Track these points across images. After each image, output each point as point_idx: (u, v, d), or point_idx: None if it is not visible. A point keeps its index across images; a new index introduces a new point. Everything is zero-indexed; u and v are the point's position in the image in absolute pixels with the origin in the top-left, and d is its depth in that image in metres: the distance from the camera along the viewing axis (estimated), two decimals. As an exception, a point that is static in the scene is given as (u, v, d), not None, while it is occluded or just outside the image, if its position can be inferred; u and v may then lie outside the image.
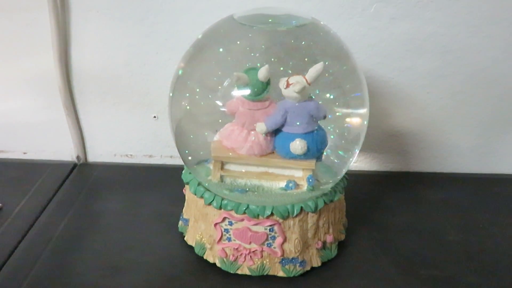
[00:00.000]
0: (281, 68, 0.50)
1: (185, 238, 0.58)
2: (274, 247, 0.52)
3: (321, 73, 0.48)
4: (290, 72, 0.49)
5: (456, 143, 0.74)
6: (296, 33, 0.52)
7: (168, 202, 0.66)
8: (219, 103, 0.51)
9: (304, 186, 0.52)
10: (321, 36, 0.54)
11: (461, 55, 0.68)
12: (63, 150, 0.78)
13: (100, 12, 0.68)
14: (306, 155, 0.50)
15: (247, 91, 0.49)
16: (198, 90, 0.54)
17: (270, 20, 0.53)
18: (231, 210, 0.51)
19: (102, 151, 0.78)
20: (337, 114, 0.53)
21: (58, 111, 0.74)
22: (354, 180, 0.62)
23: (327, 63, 0.49)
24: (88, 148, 0.78)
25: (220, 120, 0.52)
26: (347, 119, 0.53)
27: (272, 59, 0.51)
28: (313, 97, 0.50)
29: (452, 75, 0.69)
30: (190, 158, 0.56)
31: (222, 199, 0.52)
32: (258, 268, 0.53)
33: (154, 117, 0.74)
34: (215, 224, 0.53)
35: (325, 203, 0.53)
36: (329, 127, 0.52)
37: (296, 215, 0.51)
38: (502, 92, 0.71)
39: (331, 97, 0.52)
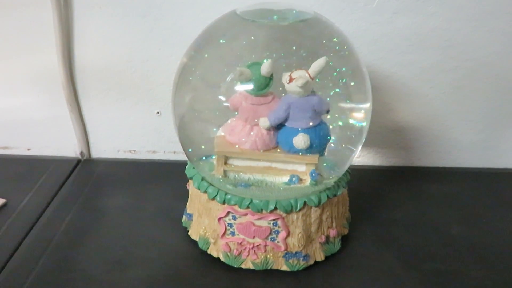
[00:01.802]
0: (284, 63, 0.50)
1: (189, 233, 0.59)
2: (278, 242, 0.53)
3: (324, 68, 0.48)
4: (293, 67, 0.49)
5: (459, 137, 0.75)
6: (299, 27, 0.52)
7: (171, 197, 0.66)
8: (222, 98, 0.51)
9: (307, 180, 0.52)
10: (324, 31, 0.54)
11: (464, 50, 0.68)
12: (66, 146, 0.78)
13: (102, 9, 0.68)
14: (309, 150, 0.50)
15: (250, 86, 0.49)
16: (201, 85, 0.54)
17: (273, 15, 0.53)
18: (235, 204, 0.52)
19: (105, 147, 0.79)
20: (340, 108, 0.53)
21: (62, 107, 0.74)
22: (357, 174, 0.62)
23: (329, 58, 0.49)
24: (91, 144, 0.78)
25: (223, 115, 0.52)
26: (350, 114, 0.53)
27: (275, 54, 0.51)
28: (318, 92, 0.50)
29: (454, 70, 0.69)
30: (193, 153, 0.56)
31: (226, 193, 0.52)
32: (262, 262, 0.53)
33: (157, 112, 0.75)
34: (219, 219, 0.53)
35: (328, 197, 0.53)
36: (333, 123, 0.52)
37: (300, 210, 0.51)
38: (504, 87, 0.71)
39: (334, 91, 0.52)
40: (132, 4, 0.67)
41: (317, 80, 0.50)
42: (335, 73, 0.52)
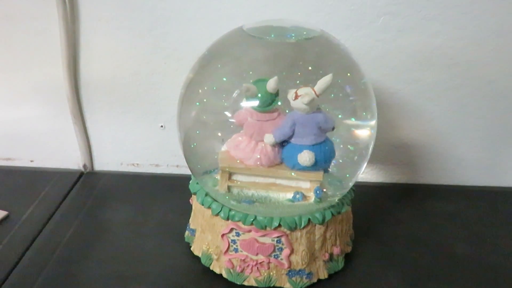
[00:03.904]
0: (290, 80, 0.50)
1: (191, 248, 0.58)
2: (281, 259, 0.52)
3: (330, 85, 0.48)
4: (299, 83, 0.49)
5: (463, 155, 0.74)
6: (305, 45, 0.52)
7: (174, 211, 0.66)
8: (227, 113, 0.51)
9: (312, 197, 0.51)
10: (330, 49, 0.54)
11: (468, 68, 0.68)
12: (70, 159, 0.78)
13: (109, 22, 0.68)
14: (313, 167, 0.50)
15: (255, 102, 0.49)
16: (206, 100, 0.54)
17: (279, 33, 0.53)
18: (239, 221, 0.51)
19: (108, 160, 0.78)
20: (346, 125, 0.53)
21: (66, 119, 0.74)
22: (361, 191, 0.62)
23: (335, 76, 0.49)
24: (94, 157, 0.78)
25: (228, 131, 0.52)
26: (356, 131, 0.53)
27: (281, 71, 0.51)
28: (326, 109, 0.50)
29: (459, 88, 0.69)
30: (197, 168, 0.56)
31: (230, 209, 0.52)
32: (265, 280, 0.53)
33: (161, 126, 0.75)
34: (222, 235, 0.53)
35: (332, 215, 0.53)
36: (337, 139, 0.52)
37: (304, 227, 0.51)
38: (509, 105, 0.71)
39: (340, 108, 0.52)
40: (138, 18, 0.67)
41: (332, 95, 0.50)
42: (341, 90, 0.52)
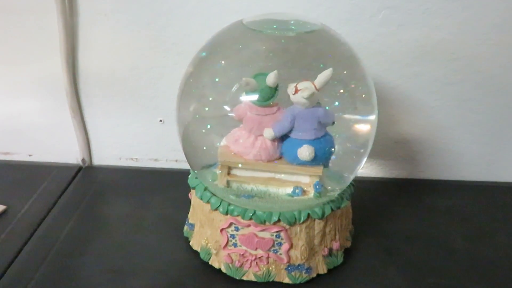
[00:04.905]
0: (290, 74, 0.50)
1: (190, 243, 0.58)
2: (280, 254, 0.52)
3: (330, 79, 0.47)
4: (299, 78, 0.49)
5: (463, 150, 0.74)
6: (306, 38, 0.52)
7: (173, 206, 0.66)
8: (227, 108, 0.51)
9: (311, 192, 0.51)
10: (331, 42, 0.53)
11: (469, 63, 0.68)
12: (68, 153, 0.78)
13: (108, 16, 0.68)
14: (313, 161, 0.49)
15: (255, 97, 0.49)
16: (206, 94, 0.53)
17: (279, 26, 0.53)
18: (238, 215, 0.51)
19: (107, 154, 0.78)
20: (346, 120, 0.52)
21: (65, 113, 0.74)
22: (360, 186, 0.62)
23: (336, 70, 0.48)
24: (93, 151, 0.78)
25: (227, 125, 0.52)
26: (356, 126, 0.53)
27: (281, 65, 0.51)
28: (325, 105, 0.50)
29: (459, 83, 0.69)
30: (196, 162, 0.56)
31: (229, 204, 0.52)
32: (264, 275, 0.53)
33: (160, 121, 0.74)
34: (221, 230, 0.53)
35: (332, 209, 0.52)
36: (337, 134, 0.52)
37: (303, 222, 0.51)
38: (510, 100, 0.70)
39: (340, 103, 0.52)
40: (137, 11, 0.67)
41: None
42: (341, 85, 0.52)
